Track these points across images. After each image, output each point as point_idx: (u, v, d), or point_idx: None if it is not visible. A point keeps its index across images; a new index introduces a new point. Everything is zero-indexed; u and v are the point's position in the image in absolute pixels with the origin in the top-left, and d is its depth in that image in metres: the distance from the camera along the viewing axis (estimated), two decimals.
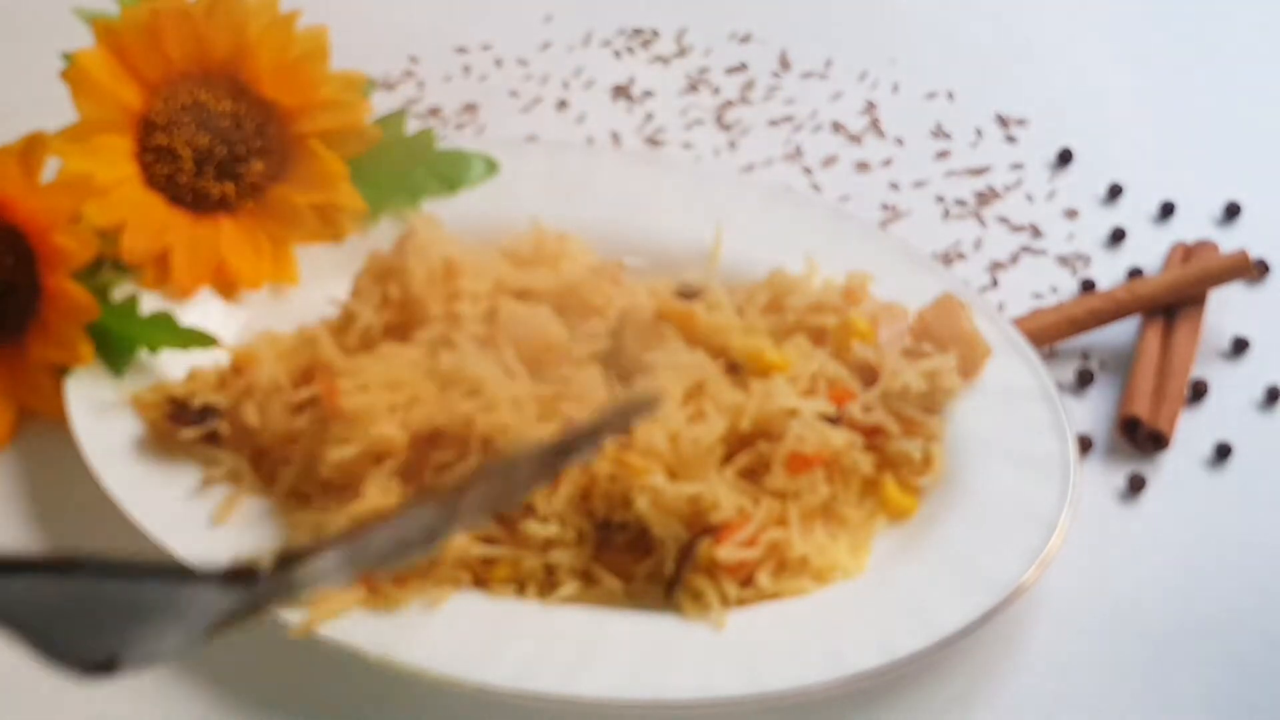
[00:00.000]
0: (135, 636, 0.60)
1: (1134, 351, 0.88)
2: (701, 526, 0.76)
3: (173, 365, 0.83)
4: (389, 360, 0.80)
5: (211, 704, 0.75)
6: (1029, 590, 0.77)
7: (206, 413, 0.81)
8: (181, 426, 0.80)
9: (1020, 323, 0.88)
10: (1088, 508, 0.82)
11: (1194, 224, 0.96)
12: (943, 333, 0.83)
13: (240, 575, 0.60)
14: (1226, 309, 0.91)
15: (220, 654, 0.76)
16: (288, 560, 0.61)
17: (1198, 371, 0.88)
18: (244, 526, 0.78)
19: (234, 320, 0.86)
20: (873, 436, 0.81)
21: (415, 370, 0.80)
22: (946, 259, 0.93)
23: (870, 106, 1.01)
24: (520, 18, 1.06)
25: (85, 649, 0.61)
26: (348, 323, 0.83)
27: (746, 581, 0.76)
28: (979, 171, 0.98)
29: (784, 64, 1.04)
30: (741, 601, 0.76)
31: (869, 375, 0.82)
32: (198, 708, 0.75)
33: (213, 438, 0.81)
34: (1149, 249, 0.94)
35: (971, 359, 0.83)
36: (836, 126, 1.00)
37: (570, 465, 0.75)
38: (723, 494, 0.77)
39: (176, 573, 0.60)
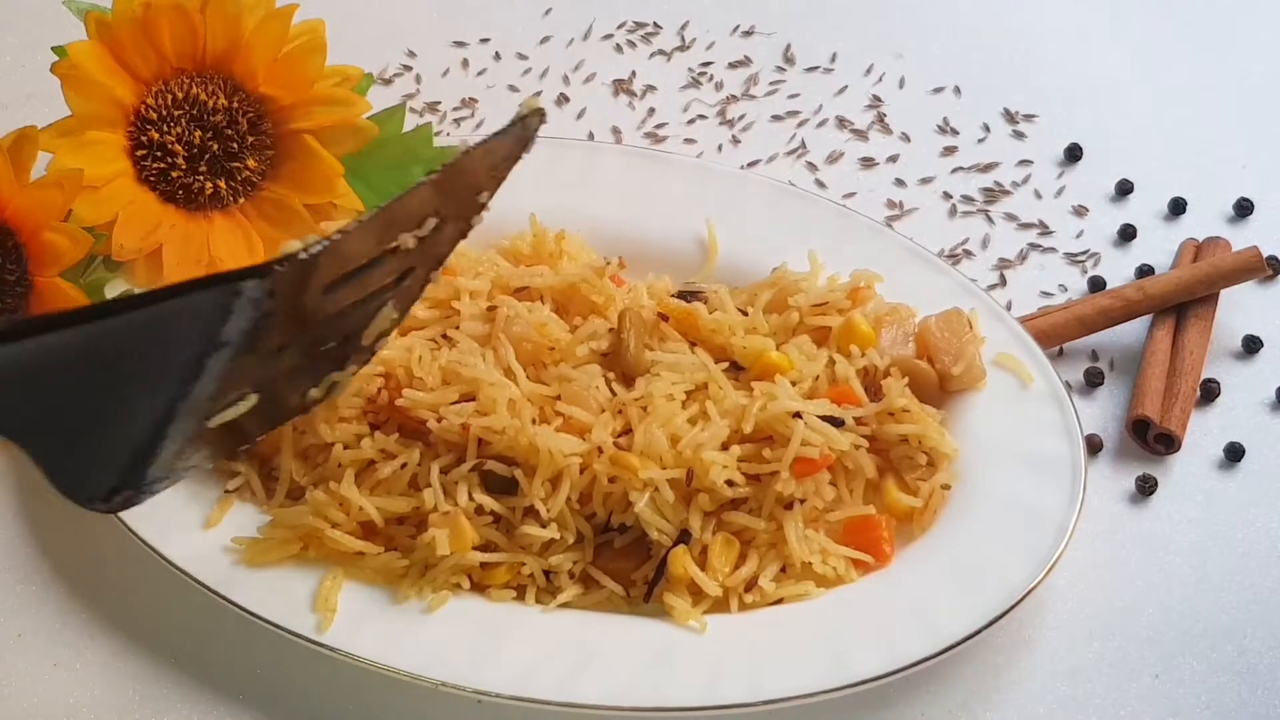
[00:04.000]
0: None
1: (1144, 351, 0.87)
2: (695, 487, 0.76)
3: None
4: None
5: (212, 707, 0.75)
6: (1037, 593, 0.76)
7: None
8: None
9: (1028, 322, 0.87)
10: (1097, 509, 0.82)
11: (1205, 221, 0.95)
12: (946, 345, 0.82)
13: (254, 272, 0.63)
14: (1238, 307, 0.91)
15: (221, 657, 0.76)
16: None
17: (1209, 371, 0.87)
18: (236, 530, 0.77)
19: None
20: (875, 439, 0.80)
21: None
22: (953, 257, 0.92)
23: (876, 101, 1.01)
24: (519, 11, 1.05)
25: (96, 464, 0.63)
26: None
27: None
28: (986, 168, 0.97)
29: (788, 58, 1.03)
30: (745, 606, 0.76)
31: (870, 377, 0.81)
32: (198, 710, 0.75)
33: None
34: (1159, 246, 0.94)
35: (967, 378, 0.82)
36: (841, 122, 1.00)
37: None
38: (715, 462, 0.76)
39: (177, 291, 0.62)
